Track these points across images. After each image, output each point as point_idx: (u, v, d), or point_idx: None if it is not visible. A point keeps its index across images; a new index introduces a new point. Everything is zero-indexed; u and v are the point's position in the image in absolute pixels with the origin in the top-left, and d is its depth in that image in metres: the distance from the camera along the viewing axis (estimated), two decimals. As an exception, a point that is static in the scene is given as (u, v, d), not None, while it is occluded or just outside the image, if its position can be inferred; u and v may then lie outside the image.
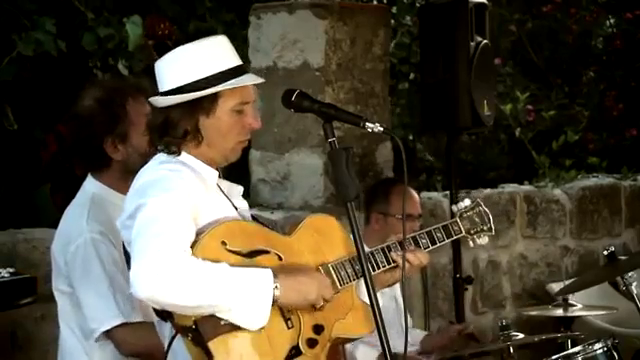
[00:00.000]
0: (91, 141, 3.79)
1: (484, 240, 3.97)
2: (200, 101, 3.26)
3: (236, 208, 3.39)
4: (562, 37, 9.96)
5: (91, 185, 3.86)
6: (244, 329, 3.13)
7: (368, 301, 3.33)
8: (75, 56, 6.94)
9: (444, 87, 5.98)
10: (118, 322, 3.66)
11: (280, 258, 3.29)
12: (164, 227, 3.07)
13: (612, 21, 10.38)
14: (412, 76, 9.04)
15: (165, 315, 3.21)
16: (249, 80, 3.35)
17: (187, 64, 3.27)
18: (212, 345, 3.11)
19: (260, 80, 3.40)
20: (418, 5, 8.38)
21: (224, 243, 3.18)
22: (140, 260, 3.04)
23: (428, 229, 3.74)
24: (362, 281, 3.41)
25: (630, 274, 5.05)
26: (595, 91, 9.90)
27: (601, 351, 4.80)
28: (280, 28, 6.09)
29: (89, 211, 3.76)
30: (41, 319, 4.92)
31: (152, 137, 3.33)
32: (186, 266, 3.04)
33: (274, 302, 3.15)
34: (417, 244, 3.68)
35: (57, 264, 3.84)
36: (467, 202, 3.95)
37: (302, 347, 3.26)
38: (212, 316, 3.10)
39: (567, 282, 5.53)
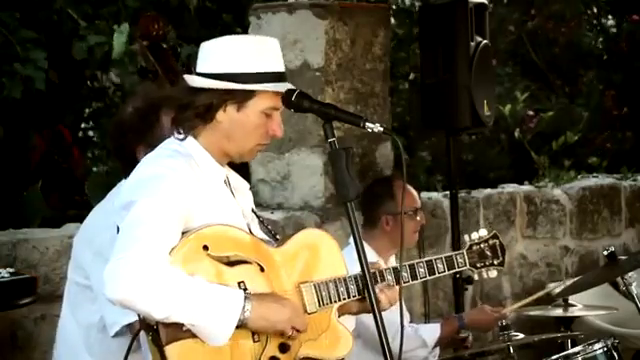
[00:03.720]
0: (125, 148, 3.79)
1: (492, 274, 3.90)
2: (234, 93, 3.25)
3: (239, 207, 3.36)
4: (562, 40, 9.97)
5: None
6: None
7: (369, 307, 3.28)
8: (68, 65, 6.94)
9: (444, 87, 5.98)
10: None
11: (262, 269, 3.23)
12: (147, 231, 3.05)
13: (613, 22, 10.37)
14: (412, 76, 9.04)
15: None
16: (287, 88, 3.33)
17: (235, 54, 3.26)
18: (168, 350, 3.07)
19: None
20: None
21: (206, 247, 3.13)
22: (116, 261, 3.02)
23: (429, 259, 3.66)
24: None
25: (630, 274, 5.04)
26: (595, 92, 9.90)
27: (601, 351, 4.79)
28: (280, 28, 6.08)
29: None
30: (41, 319, 4.91)
31: (176, 114, 3.29)
32: (159, 276, 3.00)
33: (241, 325, 3.09)
34: (414, 273, 3.58)
35: (76, 255, 3.84)
36: (483, 232, 3.89)
37: None
38: None
39: (567, 282, 5.52)
